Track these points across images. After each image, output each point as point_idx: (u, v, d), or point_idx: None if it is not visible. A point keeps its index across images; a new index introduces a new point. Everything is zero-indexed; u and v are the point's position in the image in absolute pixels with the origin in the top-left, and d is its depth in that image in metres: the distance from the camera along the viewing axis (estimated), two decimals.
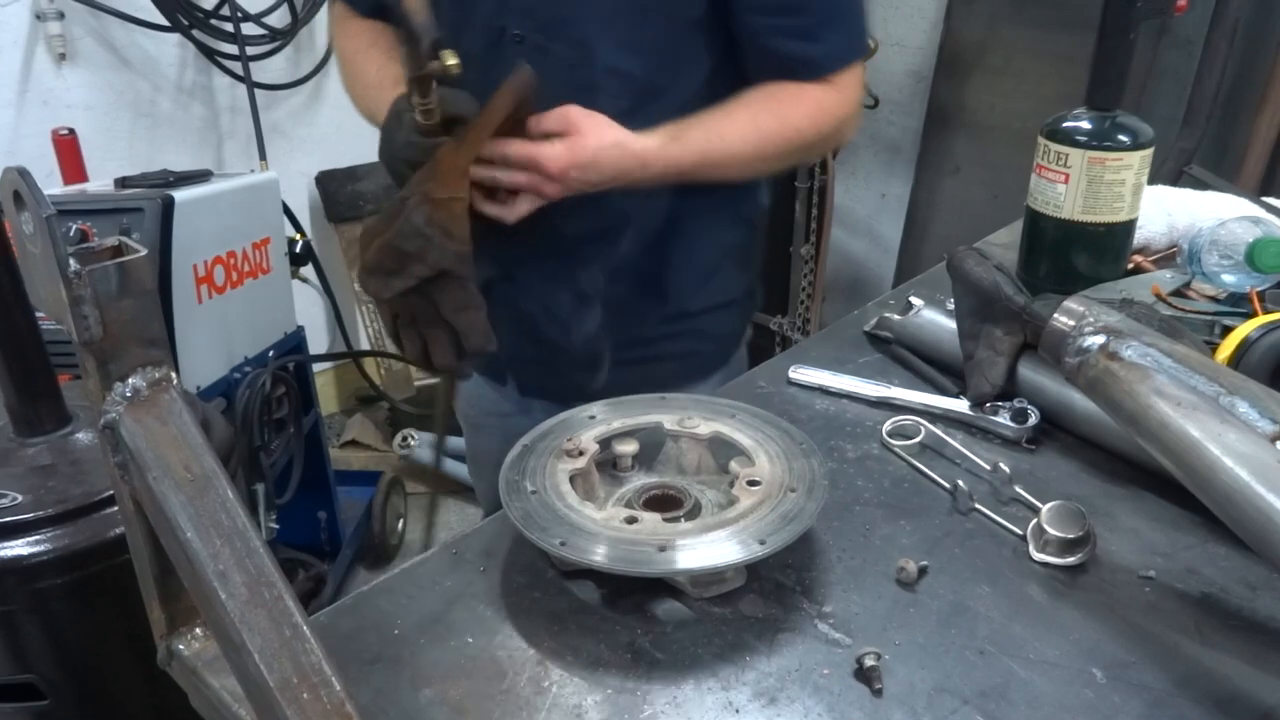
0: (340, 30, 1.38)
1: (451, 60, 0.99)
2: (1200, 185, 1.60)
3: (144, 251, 0.57)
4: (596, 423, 0.90)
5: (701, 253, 1.29)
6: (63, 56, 2.81)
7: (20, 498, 1.33)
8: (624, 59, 1.15)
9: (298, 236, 2.52)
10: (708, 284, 1.31)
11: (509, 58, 1.11)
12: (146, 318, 0.58)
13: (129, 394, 0.58)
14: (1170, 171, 1.98)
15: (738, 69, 1.18)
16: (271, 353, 2.25)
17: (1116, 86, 1.16)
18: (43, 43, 2.78)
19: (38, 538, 1.31)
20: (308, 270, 2.64)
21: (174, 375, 0.60)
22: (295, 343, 2.38)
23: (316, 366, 2.60)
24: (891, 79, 3.15)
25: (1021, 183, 1.26)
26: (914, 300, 1.15)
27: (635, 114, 1.12)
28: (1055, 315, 0.84)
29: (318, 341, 3.31)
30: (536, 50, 1.13)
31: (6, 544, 1.29)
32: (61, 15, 2.76)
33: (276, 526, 2.18)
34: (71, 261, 0.54)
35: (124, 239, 0.58)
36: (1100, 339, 0.78)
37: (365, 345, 3.52)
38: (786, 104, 1.17)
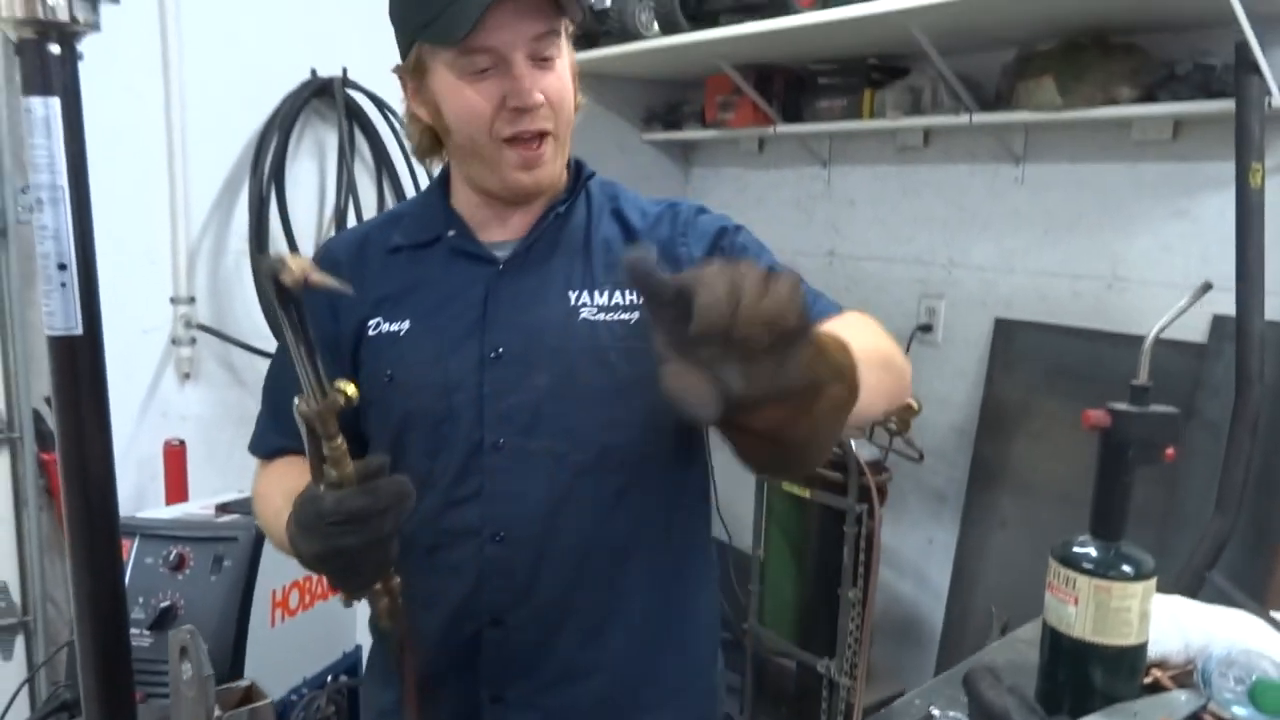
0: (255, 483, 1.34)
1: (350, 388, 0.88)
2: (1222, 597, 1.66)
3: (269, 699, 0.71)
4: None
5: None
6: (187, 376, 3.17)
7: None
8: (610, 436, 1.16)
9: None
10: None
11: (488, 464, 1.15)
12: None
13: None
14: (1195, 572, 2.04)
15: None
16: (329, 677, 2.33)
17: (1117, 521, 1.28)
18: (172, 364, 3.15)
19: None
20: None
21: None
22: (351, 663, 2.46)
23: None
24: (936, 431, 3.33)
25: None
26: (934, 712, 1.23)
27: (629, 489, 1.17)
28: None
29: None
30: (517, 451, 1.15)
31: None
32: (194, 341, 3.15)
33: None
34: (216, 709, 0.68)
35: (254, 682, 0.72)
36: None
37: None
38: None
